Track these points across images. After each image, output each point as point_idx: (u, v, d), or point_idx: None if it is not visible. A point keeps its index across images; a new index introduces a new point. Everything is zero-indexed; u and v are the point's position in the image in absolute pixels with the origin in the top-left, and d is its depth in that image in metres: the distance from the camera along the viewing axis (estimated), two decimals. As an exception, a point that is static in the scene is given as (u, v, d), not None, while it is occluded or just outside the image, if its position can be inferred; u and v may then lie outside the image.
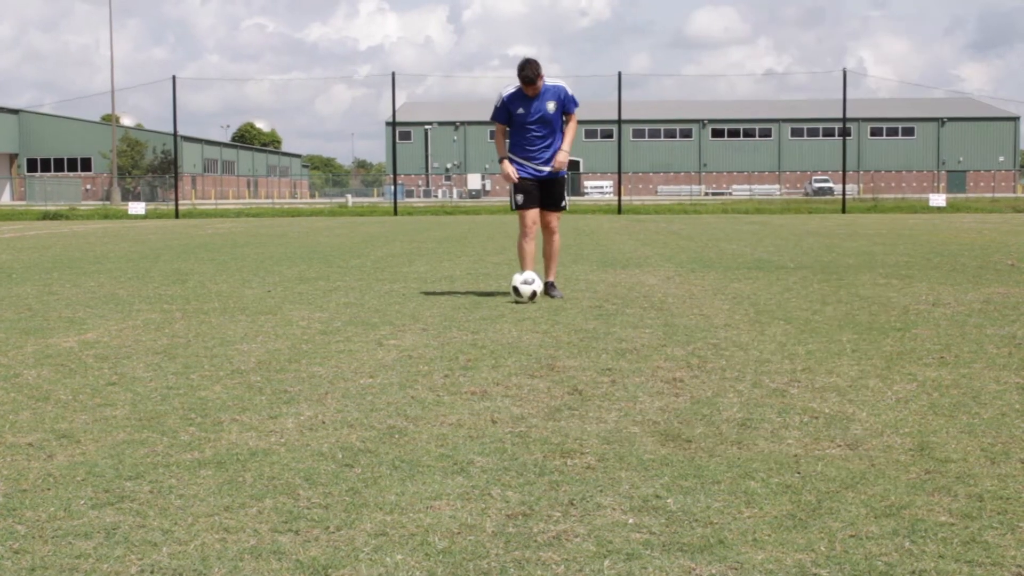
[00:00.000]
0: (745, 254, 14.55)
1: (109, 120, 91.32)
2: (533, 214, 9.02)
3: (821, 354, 5.87)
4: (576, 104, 8.95)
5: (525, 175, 8.97)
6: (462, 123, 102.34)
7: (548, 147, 8.95)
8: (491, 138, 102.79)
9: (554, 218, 9.13)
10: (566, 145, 8.95)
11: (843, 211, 38.80)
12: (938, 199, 43.11)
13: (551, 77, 8.98)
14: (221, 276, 11.59)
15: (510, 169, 8.93)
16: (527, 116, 8.85)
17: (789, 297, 8.79)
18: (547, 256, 9.24)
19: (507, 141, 9.03)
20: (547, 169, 8.96)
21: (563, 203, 9.16)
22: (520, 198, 8.97)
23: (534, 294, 8.51)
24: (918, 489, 3.32)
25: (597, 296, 9.03)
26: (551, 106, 8.83)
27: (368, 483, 3.45)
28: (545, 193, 9.04)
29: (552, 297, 8.81)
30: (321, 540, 2.91)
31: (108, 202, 66.42)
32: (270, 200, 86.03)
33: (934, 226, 24.74)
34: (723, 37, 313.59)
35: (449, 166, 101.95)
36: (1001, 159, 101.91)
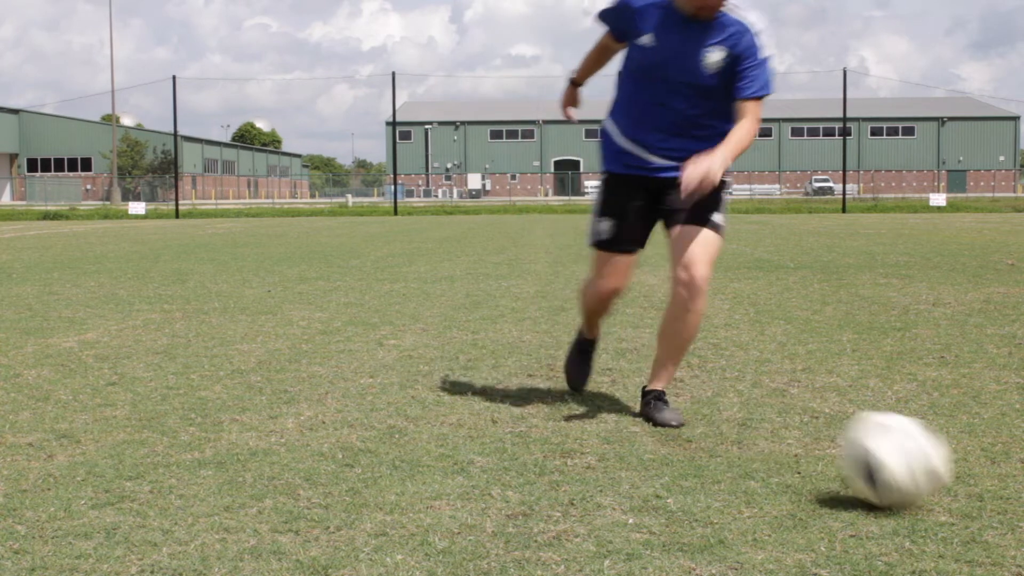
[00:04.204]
0: (745, 254, 14.55)
1: (109, 120, 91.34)
2: (622, 264, 4.56)
3: (821, 354, 5.87)
4: (768, 88, 4.19)
5: (619, 168, 4.44)
6: (462, 123, 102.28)
7: (686, 135, 4.30)
8: (491, 138, 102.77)
9: (699, 253, 4.27)
10: (727, 150, 4.05)
11: (843, 211, 38.80)
12: (938, 199, 43.14)
13: (740, 8, 4.21)
14: (221, 276, 11.59)
15: (571, 111, 4.80)
16: (665, 59, 4.22)
17: (789, 297, 8.79)
18: (670, 339, 4.42)
19: (615, 100, 4.50)
20: (668, 165, 4.32)
21: (713, 217, 4.33)
22: (605, 227, 4.53)
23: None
24: (918, 489, 3.32)
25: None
26: (715, 58, 4.17)
27: (368, 483, 3.45)
28: (665, 201, 4.38)
29: (657, 423, 4.27)
30: (321, 540, 2.91)
31: (108, 202, 66.43)
32: (270, 200, 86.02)
33: (934, 226, 24.74)
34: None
35: (449, 166, 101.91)
36: (1001, 159, 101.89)
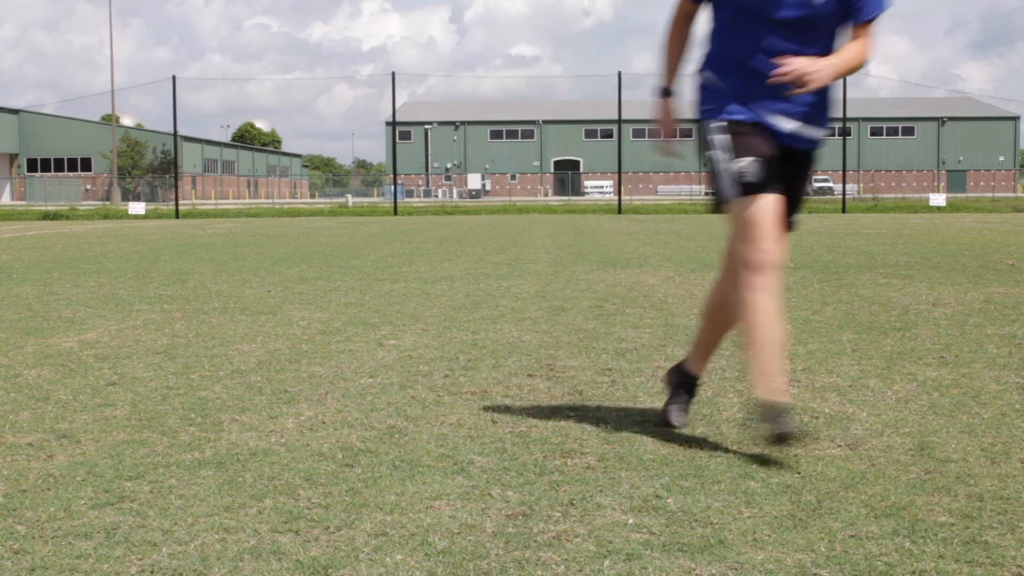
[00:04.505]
0: (745, 254, 14.53)
1: (109, 120, 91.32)
2: (778, 211, 3.77)
3: (821, 354, 5.87)
4: (884, 4, 3.77)
5: (744, 117, 3.77)
6: (462, 123, 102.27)
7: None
8: (491, 138, 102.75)
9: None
10: (839, 60, 3.68)
11: (843, 211, 38.80)
12: (938, 199, 43.13)
13: None
14: (221, 276, 11.58)
15: (672, 142, 4.07)
16: None
17: (789, 297, 8.79)
18: (717, 324, 4.21)
19: (706, 52, 3.91)
20: (791, 125, 3.77)
21: (793, 218, 3.97)
22: (747, 165, 3.70)
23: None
24: (918, 489, 3.32)
25: (597, 296, 9.03)
26: None
27: (368, 483, 3.45)
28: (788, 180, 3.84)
29: (673, 425, 4.19)
30: (321, 540, 2.91)
31: (108, 202, 66.43)
32: (270, 200, 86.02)
33: (934, 226, 24.74)
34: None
35: (449, 166, 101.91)
36: (1001, 159, 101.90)
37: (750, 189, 3.64)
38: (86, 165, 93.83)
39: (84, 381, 5.27)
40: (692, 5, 3.91)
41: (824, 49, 3.73)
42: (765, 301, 3.65)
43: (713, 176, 3.78)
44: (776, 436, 3.54)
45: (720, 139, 3.76)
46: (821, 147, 3.89)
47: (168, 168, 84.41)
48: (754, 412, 3.60)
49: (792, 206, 3.87)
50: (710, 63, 3.86)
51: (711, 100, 3.84)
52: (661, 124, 4.02)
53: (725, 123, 3.76)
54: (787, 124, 3.75)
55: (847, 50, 3.72)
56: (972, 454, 3.74)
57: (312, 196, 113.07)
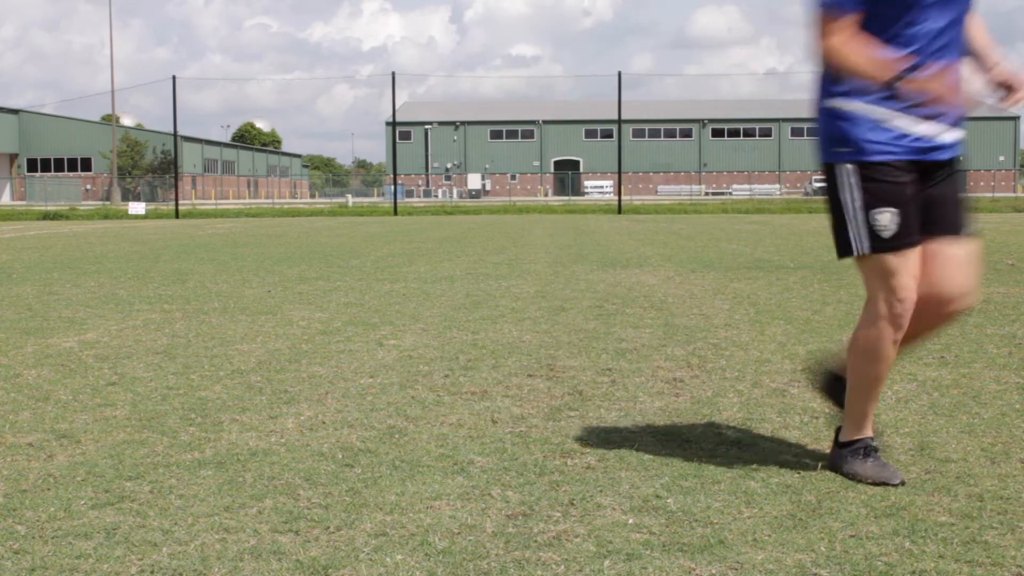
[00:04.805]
0: (745, 254, 14.55)
1: (109, 120, 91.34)
2: (918, 262, 3.40)
3: (821, 354, 5.87)
4: None
5: (891, 147, 3.32)
6: (462, 123, 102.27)
7: (952, 66, 3.30)
8: (491, 138, 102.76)
9: (970, 280, 3.48)
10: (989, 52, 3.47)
11: (843, 211, 38.72)
12: (938, 199, 43.05)
13: None
14: (221, 276, 11.59)
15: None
16: None
17: (789, 297, 8.79)
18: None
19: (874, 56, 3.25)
20: (949, 137, 3.39)
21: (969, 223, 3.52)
22: (887, 218, 3.34)
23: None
24: (918, 489, 3.32)
25: (597, 296, 9.03)
26: None
27: (368, 483, 3.45)
28: (939, 204, 3.44)
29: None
30: (321, 540, 2.91)
31: (108, 202, 66.42)
32: (270, 200, 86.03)
33: (934, 226, 24.71)
34: (726, 37, 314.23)
35: (449, 166, 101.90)
36: (1001, 159, 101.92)
37: (889, 246, 3.35)
38: (86, 165, 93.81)
39: (84, 381, 5.27)
40: (850, 19, 3.30)
41: (962, 22, 3.36)
42: (891, 340, 3.46)
43: (850, 220, 3.40)
44: (873, 476, 3.44)
45: (852, 186, 3.38)
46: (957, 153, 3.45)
47: (168, 168, 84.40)
48: (845, 452, 3.52)
49: (956, 221, 3.45)
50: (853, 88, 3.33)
51: (856, 128, 3.35)
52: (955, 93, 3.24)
53: (859, 164, 3.35)
54: (941, 139, 3.37)
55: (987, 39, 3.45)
56: (972, 454, 3.74)
57: (312, 196, 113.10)
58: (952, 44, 3.31)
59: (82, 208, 50.00)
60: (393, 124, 46.27)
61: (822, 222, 28.20)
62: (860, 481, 3.41)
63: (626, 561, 2.74)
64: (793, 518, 3.06)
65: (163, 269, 12.74)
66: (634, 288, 9.70)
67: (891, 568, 2.67)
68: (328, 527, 3.02)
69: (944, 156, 3.38)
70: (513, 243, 18.26)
